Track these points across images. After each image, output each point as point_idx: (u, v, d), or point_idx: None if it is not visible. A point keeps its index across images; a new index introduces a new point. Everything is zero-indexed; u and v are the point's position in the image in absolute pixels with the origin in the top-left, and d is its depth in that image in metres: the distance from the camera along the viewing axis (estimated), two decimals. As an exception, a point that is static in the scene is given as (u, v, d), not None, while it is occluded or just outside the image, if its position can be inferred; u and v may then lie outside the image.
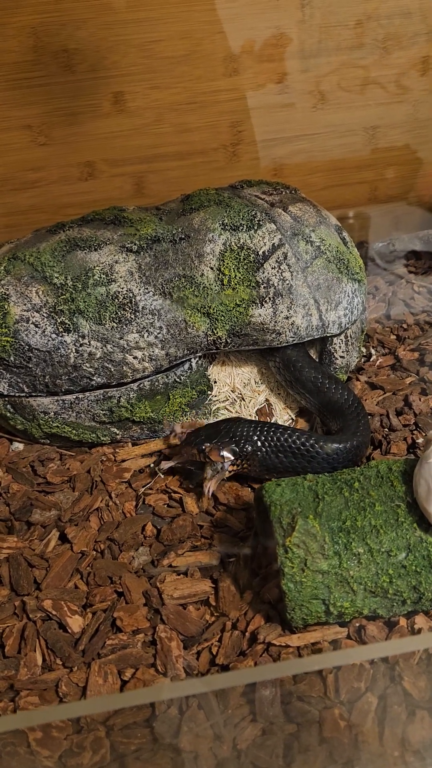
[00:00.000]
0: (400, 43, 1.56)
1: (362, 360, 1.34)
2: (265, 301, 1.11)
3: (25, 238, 1.24)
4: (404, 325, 1.46)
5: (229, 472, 1.02)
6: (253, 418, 1.18)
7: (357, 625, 0.83)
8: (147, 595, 0.90)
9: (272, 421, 1.16)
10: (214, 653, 0.84)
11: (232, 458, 1.01)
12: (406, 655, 0.79)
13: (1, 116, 1.47)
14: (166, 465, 1.07)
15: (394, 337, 1.43)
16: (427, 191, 1.80)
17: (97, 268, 1.11)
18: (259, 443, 1.02)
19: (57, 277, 1.10)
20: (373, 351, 1.38)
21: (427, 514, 0.81)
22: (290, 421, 1.20)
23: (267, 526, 0.88)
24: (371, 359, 1.36)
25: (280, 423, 1.14)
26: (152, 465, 1.11)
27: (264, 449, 1.02)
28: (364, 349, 1.35)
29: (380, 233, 1.79)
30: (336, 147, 1.66)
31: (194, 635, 0.86)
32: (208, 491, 1.00)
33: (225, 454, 1.00)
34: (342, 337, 1.20)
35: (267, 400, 1.22)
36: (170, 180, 1.61)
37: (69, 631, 0.87)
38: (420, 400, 1.20)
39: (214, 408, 1.20)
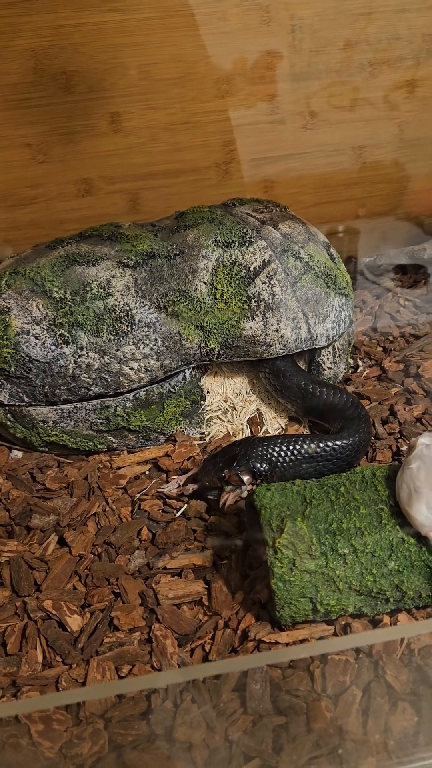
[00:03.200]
0: (387, 66, 1.63)
1: (350, 371, 1.39)
2: (256, 315, 1.16)
3: (25, 253, 1.28)
4: (390, 338, 1.51)
5: (248, 491, 1.04)
6: (265, 435, 1.21)
7: (343, 622, 0.88)
8: (143, 596, 0.94)
9: (280, 434, 1.19)
10: (207, 650, 0.88)
11: (252, 479, 1.03)
12: (389, 650, 0.83)
13: (2, 135, 1.52)
14: (191, 487, 1.08)
15: (381, 349, 1.48)
16: (414, 207, 1.86)
17: (95, 282, 1.15)
18: (273, 459, 1.05)
19: (56, 291, 1.15)
20: (360, 362, 1.43)
21: (409, 517, 0.86)
22: (280, 429, 1.25)
23: (258, 529, 0.92)
24: (358, 370, 1.41)
25: (287, 433, 1.17)
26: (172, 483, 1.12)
27: (281, 463, 1.05)
28: (351, 361, 1.40)
29: (368, 248, 1.85)
30: (324, 165, 1.72)
31: (188, 633, 0.90)
32: (224, 505, 1.03)
33: (245, 477, 1.03)
34: (330, 349, 1.25)
35: (258, 409, 1.27)
36: (164, 197, 1.66)
37: (68, 629, 0.90)
38: (404, 409, 1.25)
39: (206, 417, 1.25)
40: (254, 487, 1.03)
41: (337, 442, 1.08)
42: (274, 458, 1.04)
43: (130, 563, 1.00)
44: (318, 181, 1.74)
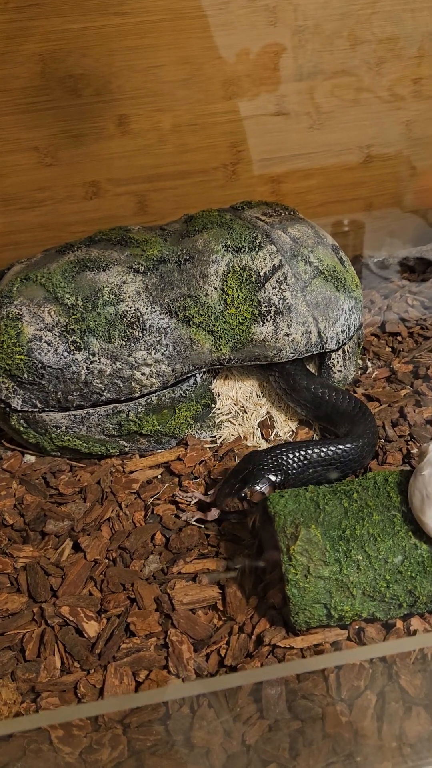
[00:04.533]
0: (393, 66, 1.62)
1: (359, 372, 1.40)
2: (267, 320, 1.17)
3: (35, 258, 1.29)
4: (399, 338, 1.51)
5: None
6: (268, 446, 1.20)
7: (356, 627, 0.89)
8: (158, 601, 0.96)
9: (286, 441, 1.19)
10: (223, 655, 0.89)
11: (272, 491, 1.03)
12: (403, 655, 0.84)
13: (10, 138, 1.53)
14: (215, 514, 1.07)
15: (390, 349, 1.48)
16: (422, 203, 1.86)
17: (106, 288, 1.16)
18: (285, 467, 1.05)
19: (68, 298, 1.16)
20: (369, 363, 1.44)
21: (422, 523, 0.87)
22: (291, 432, 1.26)
23: (271, 534, 0.93)
24: (367, 371, 1.41)
25: (291, 441, 1.18)
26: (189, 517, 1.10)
27: (292, 470, 1.05)
28: (360, 362, 1.41)
29: (376, 245, 1.85)
30: (332, 165, 1.72)
31: (203, 638, 0.91)
32: (254, 524, 1.04)
33: (265, 491, 1.02)
34: (340, 352, 1.25)
35: (268, 412, 1.28)
36: (172, 198, 1.66)
37: (85, 635, 0.92)
38: (414, 411, 1.26)
39: (217, 421, 1.26)
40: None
41: (344, 446, 1.09)
42: (285, 467, 1.04)
43: (145, 568, 1.01)
44: (325, 180, 1.74)
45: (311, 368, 1.29)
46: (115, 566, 1.02)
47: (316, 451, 1.08)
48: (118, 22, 1.46)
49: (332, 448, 1.09)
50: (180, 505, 1.11)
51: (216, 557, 1.02)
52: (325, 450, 1.08)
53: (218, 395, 1.27)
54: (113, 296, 1.16)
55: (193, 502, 1.10)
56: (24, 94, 1.49)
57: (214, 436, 1.26)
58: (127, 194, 1.65)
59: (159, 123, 1.58)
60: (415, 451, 1.17)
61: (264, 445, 1.23)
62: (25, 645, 0.91)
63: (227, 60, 1.55)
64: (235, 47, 1.54)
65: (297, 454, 1.07)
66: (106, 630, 0.92)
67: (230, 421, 1.27)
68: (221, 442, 1.25)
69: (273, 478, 1.04)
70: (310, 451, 1.07)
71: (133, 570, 1.01)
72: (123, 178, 1.62)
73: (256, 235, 1.21)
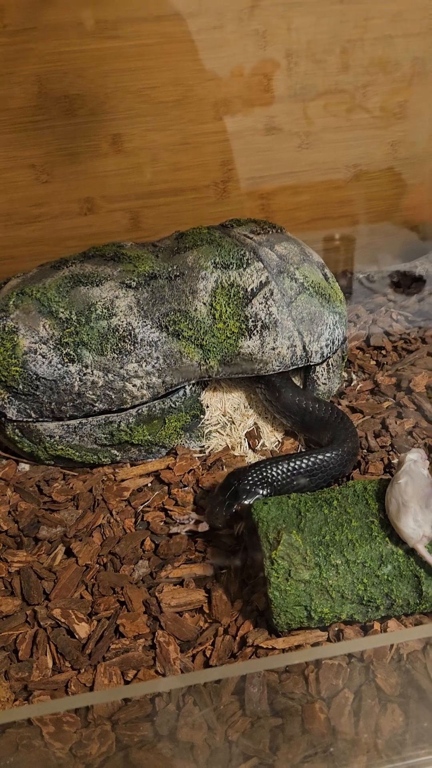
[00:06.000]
0: (380, 88, 1.68)
1: (344, 385, 1.44)
2: (253, 334, 1.21)
3: (31, 273, 1.33)
4: (383, 352, 1.56)
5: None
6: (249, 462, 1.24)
7: (336, 629, 0.93)
8: (146, 604, 0.99)
9: (268, 457, 1.22)
10: (208, 656, 0.93)
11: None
12: (379, 655, 0.88)
13: (7, 156, 1.58)
14: (204, 527, 1.10)
15: (374, 362, 1.53)
16: (409, 218, 1.91)
17: (99, 303, 1.21)
18: (270, 480, 1.09)
19: (62, 312, 1.20)
20: (354, 376, 1.48)
21: (397, 529, 0.91)
22: (277, 443, 1.30)
23: (255, 540, 0.97)
24: (352, 384, 1.46)
25: (276, 456, 1.21)
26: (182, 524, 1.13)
27: (277, 482, 1.09)
28: (345, 374, 1.46)
29: (364, 261, 1.91)
30: (320, 183, 1.78)
31: (190, 640, 0.95)
32: (239, 531, 1.07)
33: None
34: (324, 365, 1.30)
35: (255, 423, 1.32)
36: (165, 215, 1.71)
37: (76, 636, 0.95)
38: (396, 423, 1.30)
39: (206, 431, 1.30)
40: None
41: (326, 455, 1.14)
42: (270, 479, 1.09)
43: (134, 573, 1.05)
44: (313, 198, 1.79)
45: (297, 381, 1.33)
46: (106, 571, 1.06)
47: (299, 462, 1.12)
48: (113, 45, 1.51)
49: (314, 458, 1.13)
50: (171, 514, 1.15)
51: (203, 562, 1.06)
52: (306, 460, 1.12)
53: (207, 406, 1.31)
54: (106, 310, 1.20)
55: (189, 526, 1.12)
56: (21, 114, 1.54)
57: (203, 446, 1.30)
58: (121, 210, 1.70)
59: (152, 142, 1.63)
60: (395, 461, 1.22)
61: (251, 455, 1.28)
62: (18, 645, 0.95)
63: (218, 81, 1.60)
64: (226, 69, 1.59)
65: (282, 467, 1.11)
66: (96, 631, 0.96)
67: (218, 432, 1.31)
68: (210, 452, 1.29)
69: (262, 491, 1.08)
70: (293, 463, 1.11)
71: (123, 574, 1.05)
72: (117, 195, 1.67)
73: (244, 253, 1.25)
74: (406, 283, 1.82)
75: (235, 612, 0.98)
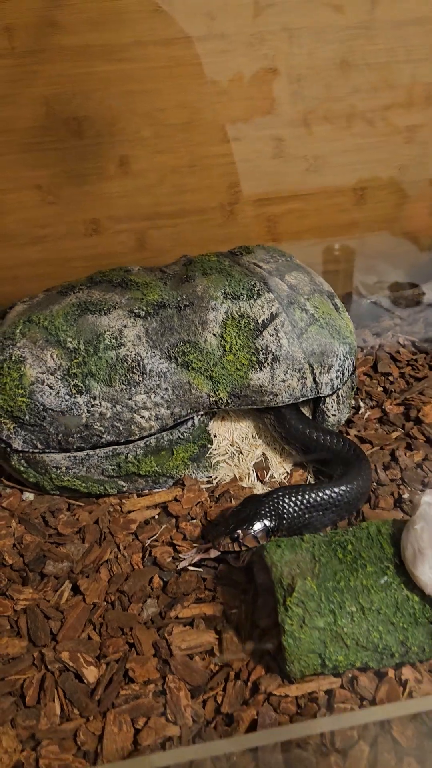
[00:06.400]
0: (386, 114, 1.68)
1: (352, 412, 1.43)
2: (264, 366, 1.20)
3: (38, 299, 1.32)
4: (390, 378, 1.55)
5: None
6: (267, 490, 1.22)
7: (350, 675, 0.91)
8: (156, 647, 0.98)
9: (282, 486, 1.21)
10: (219, 702, 0.91)
11: (266, 537, 1.05)
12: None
13: (15, 177, 1.56)
14: (214, 553, 1.09)
15: (381, 389, 1.52)
16: (416, 240, 1.90)
17: (108, 332, 1.19)
18: (281, 512, 1.07)
19: (70, 342, 1.18)
20: (362, 403, 1.47)
21: (413, 576, 0.89)
22: (285, 474, 1.29)
23: (267, 582, 0.95)
24: (360, 411, 1.45)
25: (289, 485, 1.20)
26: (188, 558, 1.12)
27: (289, 516, 1.07)
28: (353, 401, 1.44)
29: (370, 282, 1.90)
30: (326, 206, 1.77)
31: (200, 685, 0.93)
32: (244, 560, 1.07)
33: (257, 535, 1.04)
34: (334, 396, 1.29)
35: (264, 453, 1.31)
36: (171, 236, 1.70)
37: (85, 681, 0.93)
38: (405, 455, 1.29)
39: (214, 461, 1.28)
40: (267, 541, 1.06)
41: (339, 488, 1.12)
42: (281, 512, 1.07)
43: (143, 612, 1.03)
44: (320, 221, 1.78)
45: (306, 411, 1.32)
46: (114, 609, 1.04)
47: (313, 495, 1.10)
48: (121, 67, 1.50)
49: (327, 492, 1.11)
50: (179, 549, 1.13)
51: (212, 602, 1.04)
52: (320, 494, 1.11)
53: (215, 436, 1.30)
54: (114, 340, 1.19)
55: (200, 554, 1.11)
56: (28, 135, 1.53)
57: (211, 476, 1.28)
58: (127, 231, 1.68)
59: (159, 164, 1.62)
60: (406, 495, 1.20)
61: (259, 486, 1.26)
62: (25, 691, 0.93)
63: (226, 105, 1.59)
64: (234, 93, 1.58)
65: (294, 498, 1.09)
66: (105, 676, 0.94)
67: (226, 462, 1.29)
68: (217, 483, 1.27)
69: (267, 522, 1.06)
70: (306, 496, 1.10)
71: (132, 614, 1.03)
72: (123, 216, 1.66)
73: (255, 283, 1.24)
74: (413, 306, 1.81)
75: (246, 655, 0.96)
